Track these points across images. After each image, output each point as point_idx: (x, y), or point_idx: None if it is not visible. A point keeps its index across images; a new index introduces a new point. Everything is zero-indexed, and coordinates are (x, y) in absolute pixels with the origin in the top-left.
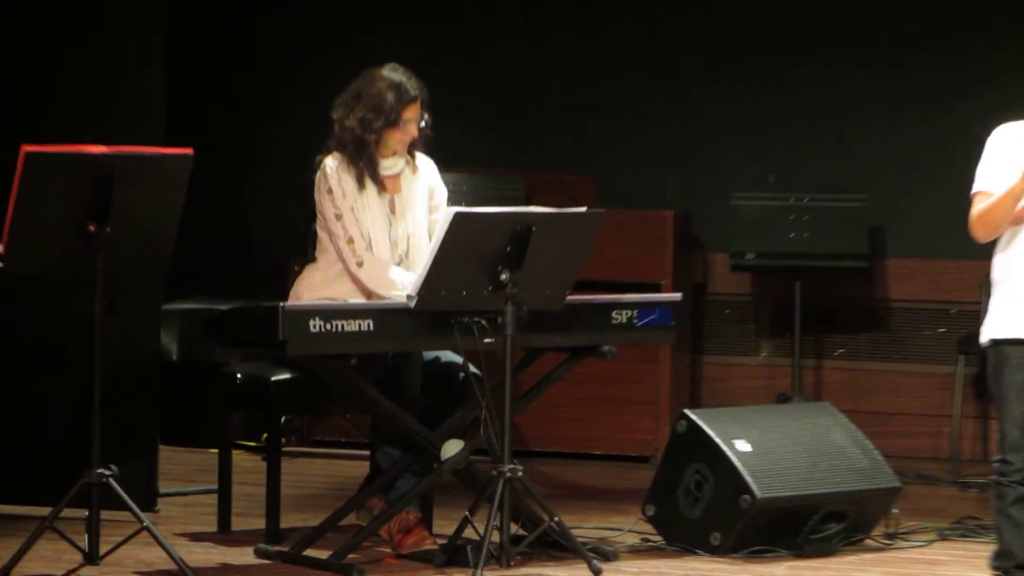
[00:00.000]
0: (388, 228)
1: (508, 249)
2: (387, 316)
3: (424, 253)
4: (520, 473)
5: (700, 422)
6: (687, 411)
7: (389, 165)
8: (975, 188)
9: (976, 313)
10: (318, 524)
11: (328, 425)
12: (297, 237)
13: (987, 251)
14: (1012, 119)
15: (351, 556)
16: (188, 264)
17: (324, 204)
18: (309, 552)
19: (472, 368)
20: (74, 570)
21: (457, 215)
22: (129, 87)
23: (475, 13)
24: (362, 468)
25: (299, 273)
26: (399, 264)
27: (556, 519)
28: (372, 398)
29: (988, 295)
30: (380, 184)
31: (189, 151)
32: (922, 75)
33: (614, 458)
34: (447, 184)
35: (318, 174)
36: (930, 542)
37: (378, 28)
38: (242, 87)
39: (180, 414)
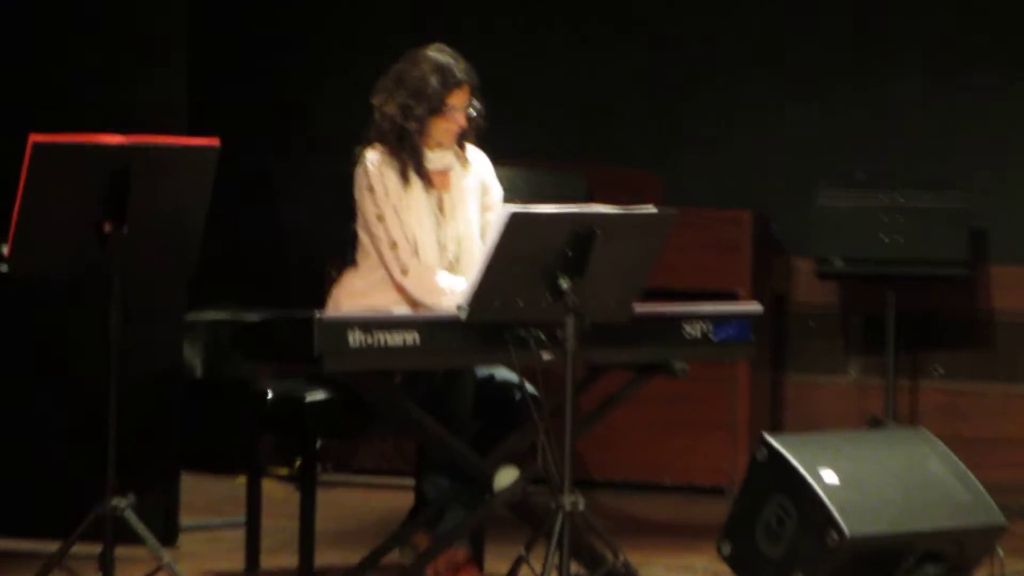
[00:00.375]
0: (436, 230)
1: (569, 254)
2: (435, 329)
3: (476, 258)
4: (582, 506)
5: (782, 449)
6: (767, 436)
7: (436, 158)
8: None
9: None
10: (357, 562)
11: (369, 451)
12: (336, 238)
13: None
14: None
15: None
16: (214, 269)
17: (364, 203)
18: None
19: (528, 387)
20: None
21: (513, 215)
22: (147, 72)
23: None
24: (406, 499)
25: (337, 279)
26: (448, 270)
27: (622, 558)
28: (418, 421)
29: None
30: (427, 180)
31: (215, 142)
32: None
33: (686, 489)
34: (501, 180)
35: (358, 168)
36: None
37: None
38: (271, 69)
39: (204, 438)
